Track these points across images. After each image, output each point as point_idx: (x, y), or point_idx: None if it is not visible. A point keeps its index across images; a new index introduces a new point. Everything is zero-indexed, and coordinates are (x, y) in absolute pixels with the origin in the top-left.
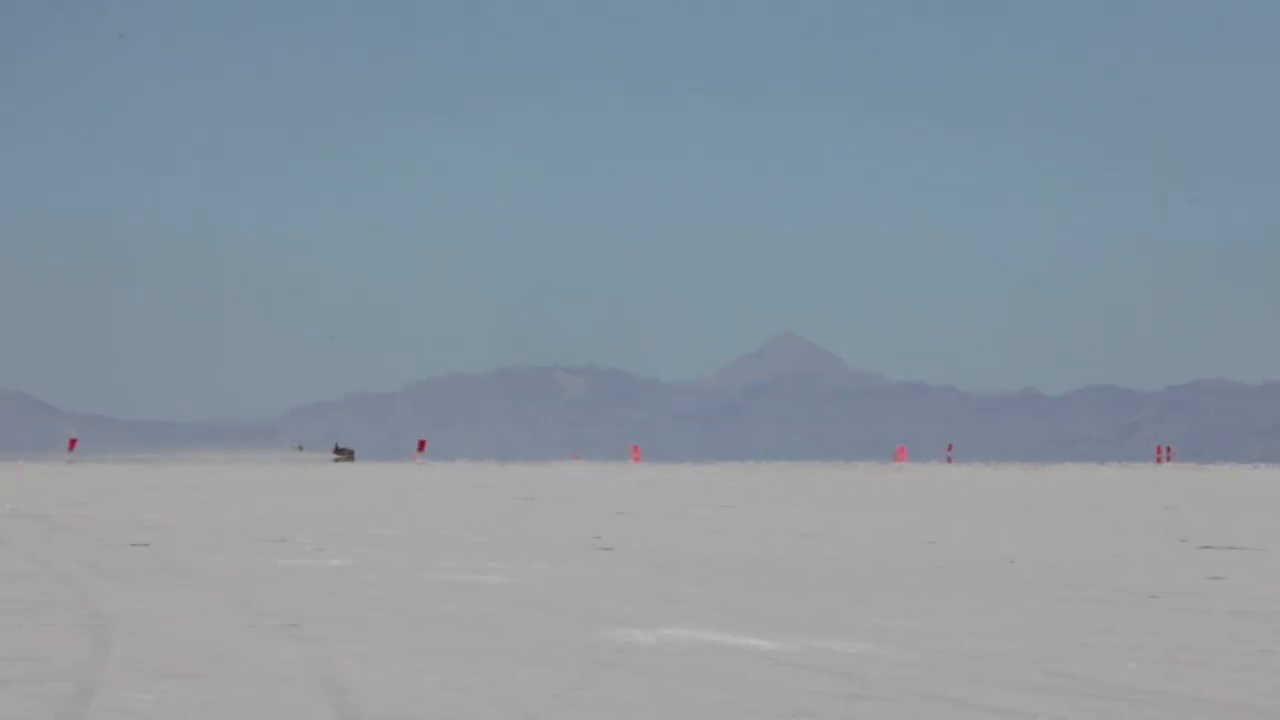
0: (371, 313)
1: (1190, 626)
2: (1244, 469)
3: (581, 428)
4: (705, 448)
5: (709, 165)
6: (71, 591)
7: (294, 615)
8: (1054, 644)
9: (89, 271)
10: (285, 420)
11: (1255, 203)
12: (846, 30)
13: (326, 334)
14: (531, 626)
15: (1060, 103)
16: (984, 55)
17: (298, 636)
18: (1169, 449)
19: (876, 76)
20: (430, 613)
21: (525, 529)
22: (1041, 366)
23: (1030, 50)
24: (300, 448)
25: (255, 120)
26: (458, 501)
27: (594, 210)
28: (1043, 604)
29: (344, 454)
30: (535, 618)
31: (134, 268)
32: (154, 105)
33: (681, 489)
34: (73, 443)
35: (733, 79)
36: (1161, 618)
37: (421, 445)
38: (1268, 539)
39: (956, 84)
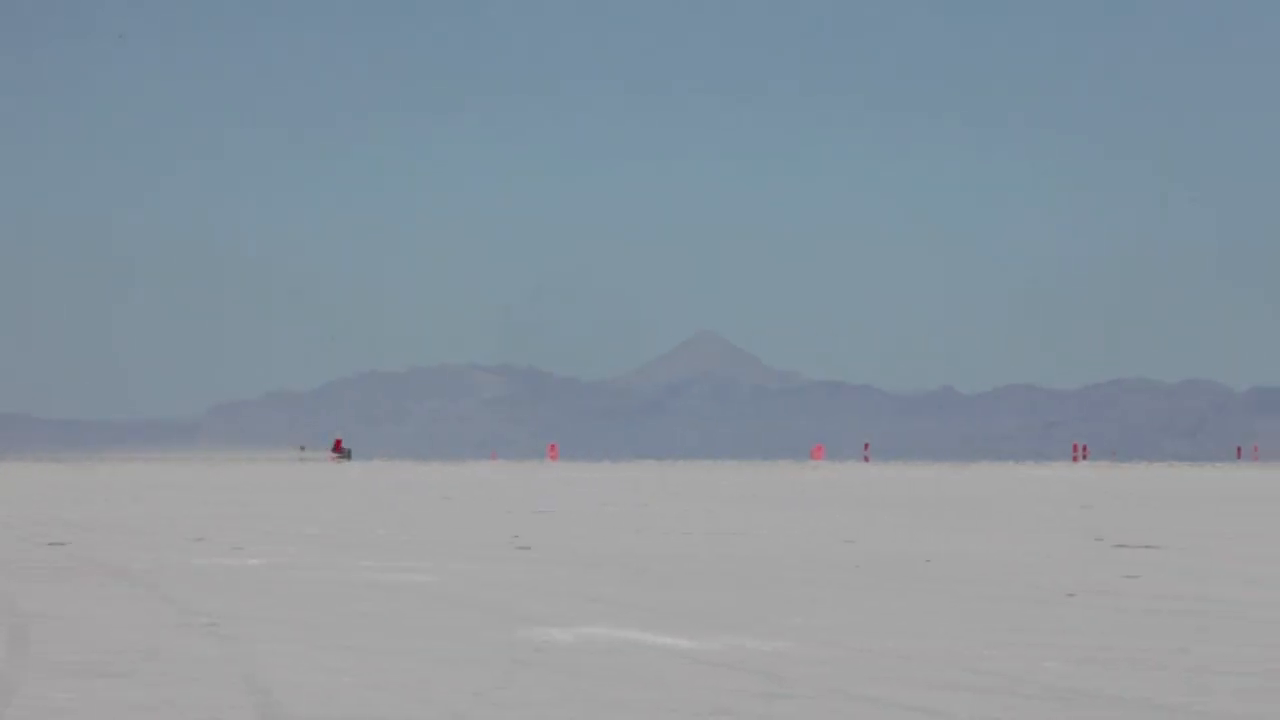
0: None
1: (1107, 625)
2: (1160, 467)
3: (500, 427)
4: (624, 447)
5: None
6: None
7: (214, 614)
8: (973, 642)
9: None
10: (205, 418)
11: (1162, 204)
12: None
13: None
14: (451, 626)
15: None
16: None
17: (218, 635)
18: (1085, 448)
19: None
20: (350, 612)
21: (444, 528)
22: (959, 366)
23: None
24: (302, 448)
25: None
26: (376, 501)
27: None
28: (961, 603)
29: (341, 453)
30: (455, 617)
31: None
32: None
33: (600, 488)
34: None
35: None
36: (1078, 616)
37: (338, 445)
38: (1183, 537)
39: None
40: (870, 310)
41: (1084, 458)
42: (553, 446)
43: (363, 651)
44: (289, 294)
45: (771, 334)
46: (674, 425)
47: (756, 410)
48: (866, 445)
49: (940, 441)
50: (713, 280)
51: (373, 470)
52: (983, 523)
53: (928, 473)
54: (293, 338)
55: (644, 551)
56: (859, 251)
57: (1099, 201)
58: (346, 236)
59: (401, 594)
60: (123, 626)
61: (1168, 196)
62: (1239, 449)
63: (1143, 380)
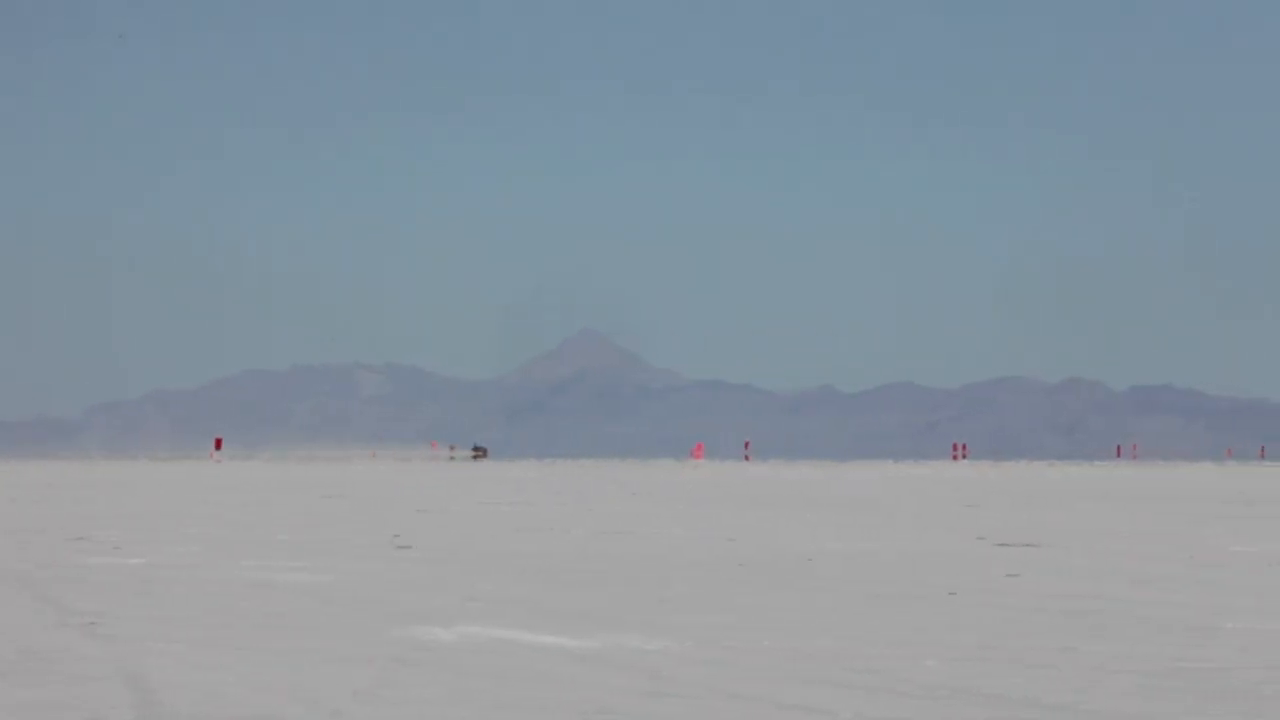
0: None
1: (989, 624)
2: (1041, 466)
3: (382, 425)
4: (506, 445)
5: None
6: None
7: (95, 614)
8: (855, 641)
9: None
10: (85, 418)
11: (1044, 209)
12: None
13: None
14: (332, 624)
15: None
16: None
17: (99, 635)
18: (965, 446)
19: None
20: (232, 611)
21: (326, 527)
22: (839, 365)
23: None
24: (452, 447)
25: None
26: (258, 500)
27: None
28: (843, 601)
29: (480, 452)
30: (336, 616)
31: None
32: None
33: (482, 486)
34: None
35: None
36: (961, 615)
37: (219, 443)
38: (1065, 536)
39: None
40: (751, 310)
41: (964, 456)
42: (435, 445)
43: (244, 650)
44: (169, 294)
45: (653, 333)
46: (556, 424)
47: (638, 409)
48: (747, 444)
49: (821, 440)
50: (595, 280)
51: (254, 469)
52: (864, 521)
53: (809, 471)
54: (173, 337)
55: (526, 550)
56: (739, 251)
57: (983, 205)
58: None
59: (282, 593)
60: (0, 626)
61: (1051, 201)
62: (1119, 447)
63: (1023, 379)
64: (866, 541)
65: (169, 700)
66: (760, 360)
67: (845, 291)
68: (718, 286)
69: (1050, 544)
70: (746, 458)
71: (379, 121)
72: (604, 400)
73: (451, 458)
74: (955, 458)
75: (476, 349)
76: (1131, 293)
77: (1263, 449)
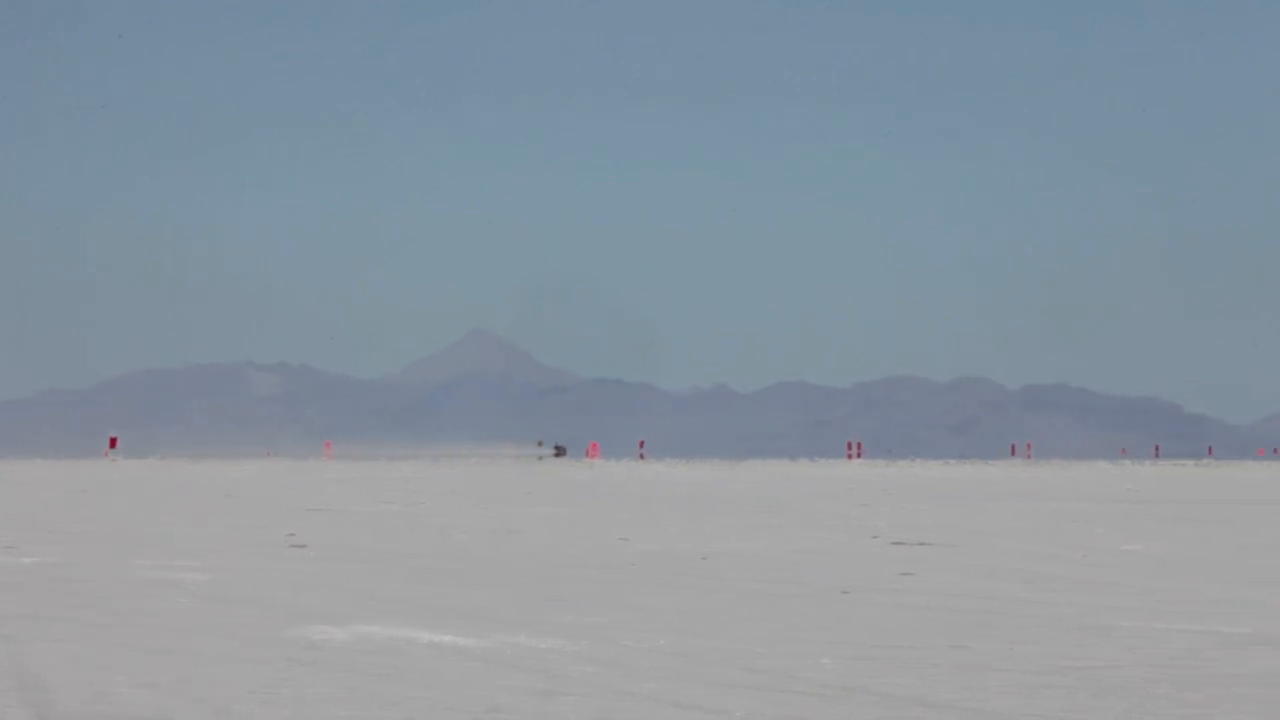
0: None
1: (883, 622)
2: (934, 465)
3: (275, 425)
4: (401, 445)
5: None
6: None
7: None
8: (749, 640)
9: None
10: None
11: (934, 208)
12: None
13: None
14: (226, 624)
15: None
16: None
17: None
18: (859, 445)
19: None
20: (124, 610)
21: (219, 526)
22: (733, 364)
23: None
24: (540, 443)
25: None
26: (152, 499)
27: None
28: (737, 600)
29: (560, 451)
30: (230, 615)
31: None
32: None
33: (375, 486)
34: None
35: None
36: (855, 614)
37: (113, 442)
38: (958, 535)
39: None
40: (644, 309)
41: (858, 455)
42: (328, 444)
43: (136, 650)
44: (57, 292)
45: (544, 332)
46: (447, 423)
47: (530, 408)
48: (641, 443)
49: (715, 439)
50: (485, 277)
51: (148, 469)
52: (758, 520)
53: (703, 470)
54: (63, 336)
55: (420, 550)
56: (630, 248)
57: (873, 201)
58: (132, 226)
59: (176, 592)
60: None
61: (947, 202)
62: (1012, 446)
63: (915, 378)
64: (761, 541)
65: (62, 699)
66: (654, 359)
67: (738, 291)
68: (609, 285)
69: (943, 543)
70: (641, 457)
71: (283, 121)
72: (495, 399)
73: (539, 458)
74: (850, 457)
75: (368, 347)
76: (1023, 292)
77: (1157, 448)
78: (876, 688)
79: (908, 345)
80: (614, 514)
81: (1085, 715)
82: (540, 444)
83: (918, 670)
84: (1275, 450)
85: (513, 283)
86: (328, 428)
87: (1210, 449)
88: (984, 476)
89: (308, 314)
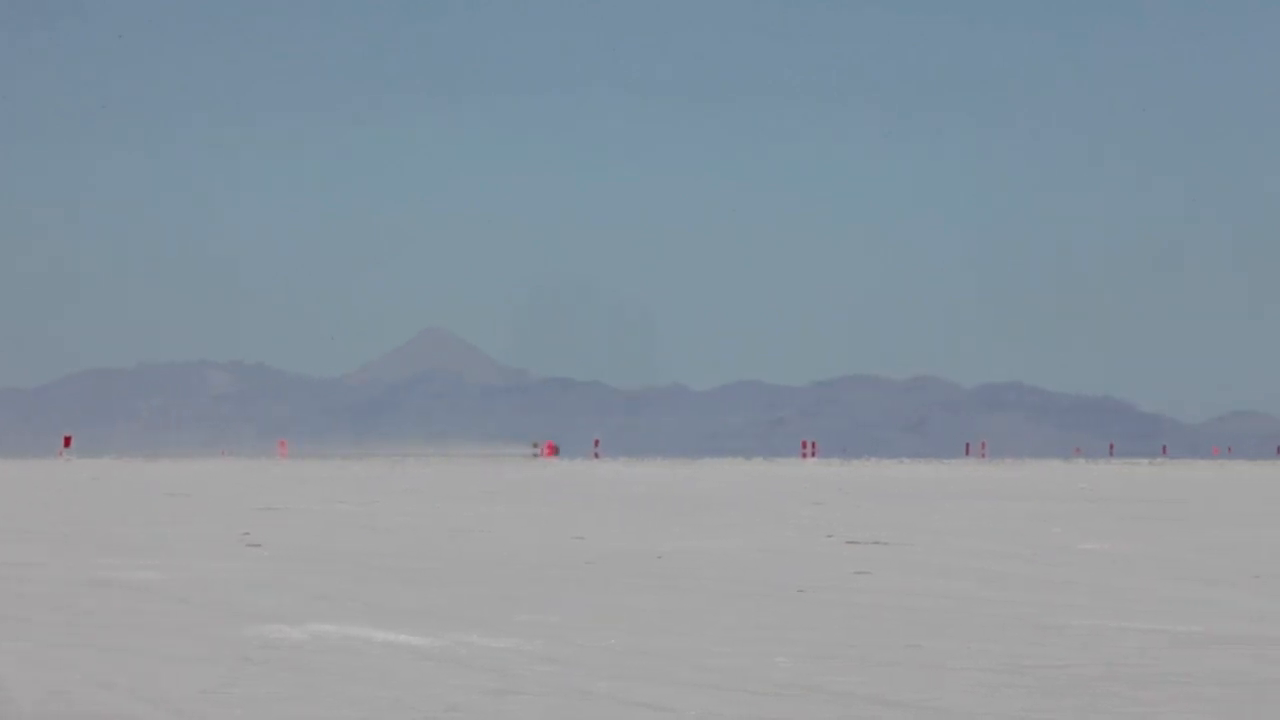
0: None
1: (838, 622)
2: (889, 464)
3: (229, 424)
4: (355, 444)
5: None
6: None
7: None
8: (703, 639)
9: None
10: None
11: (892, 205)
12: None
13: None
14: (180, 623)
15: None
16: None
17: None
18: (813, 444)
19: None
20: (80, 610)
21: (173, 526)
22: (688, 362)
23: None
24: (535, 444)
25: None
26: (106, 498)
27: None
28: (692, 599)
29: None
30: (184, 614)
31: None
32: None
33: (330, 485)
34: None
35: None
36: (809, 613)
37: (67, 441)
38: (913, 534)
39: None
40: (599, 307)
41: (813, 454)
42: (282, 443)
43: (91, 649)
44: (9, 291)
45: (500, 330)
46: (403, 422)
47: (485, 407)
48: (597, 441)
49: (670, 438)
50: (440, 276)
51: (102, 467)
52: (713, 519)
53: (658, 469)
54: (16, 334)
55: (374, 549)
56: (585, 247)
57: (829, 200)
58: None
59: (130, 592)
60: None
61: (902, 199)
62: (967, 445)
63: (870, 377)
64: (715, 540)
65: (15, 698)
66: (609, 358)
67: (692, 289)
68: (564, 283)
69: (898, 542)
70: (596, 455)
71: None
72: (449, 398)
73: (533, 455)
74: (804, 456)
75: (323, 346)
76: (978, 291)
77: (1111, 446)
78: (833, 687)
79: (863, 344)
80: (569, 513)
81: (1041, 714)
82: (535, 445)
83: (874, 669)
84: (1229, 449)
85: (466, 281)
86: (283, 426)
87: (1164, 448)
88: (938, 475)
89: (262, 312)
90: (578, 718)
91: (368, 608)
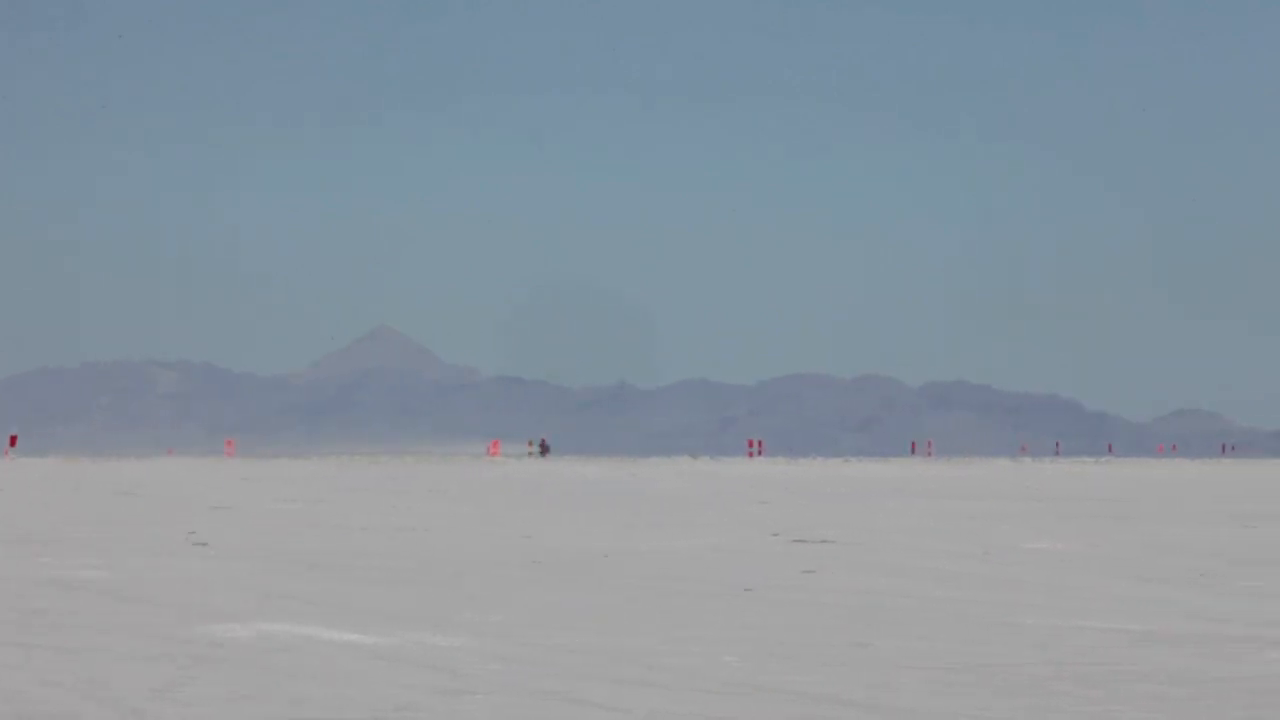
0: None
1: (785, 620)
2: (836, 463)
3: (177, 422)
4: (303, 442)
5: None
6: None
7: None
8: (651, 638)
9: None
10: None
11: (836, 211)
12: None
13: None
14: (129, 622)
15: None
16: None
17: None
18: (760, 443)
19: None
20: (27, 609)
21: (121, 525)
22: (634, 362)
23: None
24: (530, 443)
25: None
26: (53, 498)
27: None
28: (639, 598)
29: (545, 449)
30: (133, 613)
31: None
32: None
33: (278, 484)
34: None
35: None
36: (757, 611)
37: (13, 441)
38: (860, 532)
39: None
40: (546, 307)
41: (759, 453)
42: (229, 442)
43: (40, 648)
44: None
45: (449, 329)
46: (351, 421)
47: (434, 406)
48: (544, 440)
49: (617, 437)
50: (389, 274)
51: (49, 467)
52: (660, 518)
53: (605, 468)
54: None
55: (323, 548)
56: (531, 247)
57: (779, 199)
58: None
59: (78, 591)
60: None
61: (846, 201)
62: (913, 444)
63: (818, 375)
64: (663, 538)
65: None
66: (556, 357)
67: (639, 288)
68: (511, 282)
69: (845, 540)
70: (544, 454)
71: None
72: (398, 397)
73: (529, 454)
74: (750, 454)
75: (271, 345)
76: (924, 290)
77: (1058, 444)
78: (783, 685)
79: (810, 343)
80: (517, 512)
81: (990, 712)
82: (530, 444)
83: (824, 668)
84: (1174, 447)
85: (416, 279)
86: (230, 425)
87: (1110, 446)
88: (885, 474)
89: (209, 310)
90: (527, 716)
91: (316, 606)
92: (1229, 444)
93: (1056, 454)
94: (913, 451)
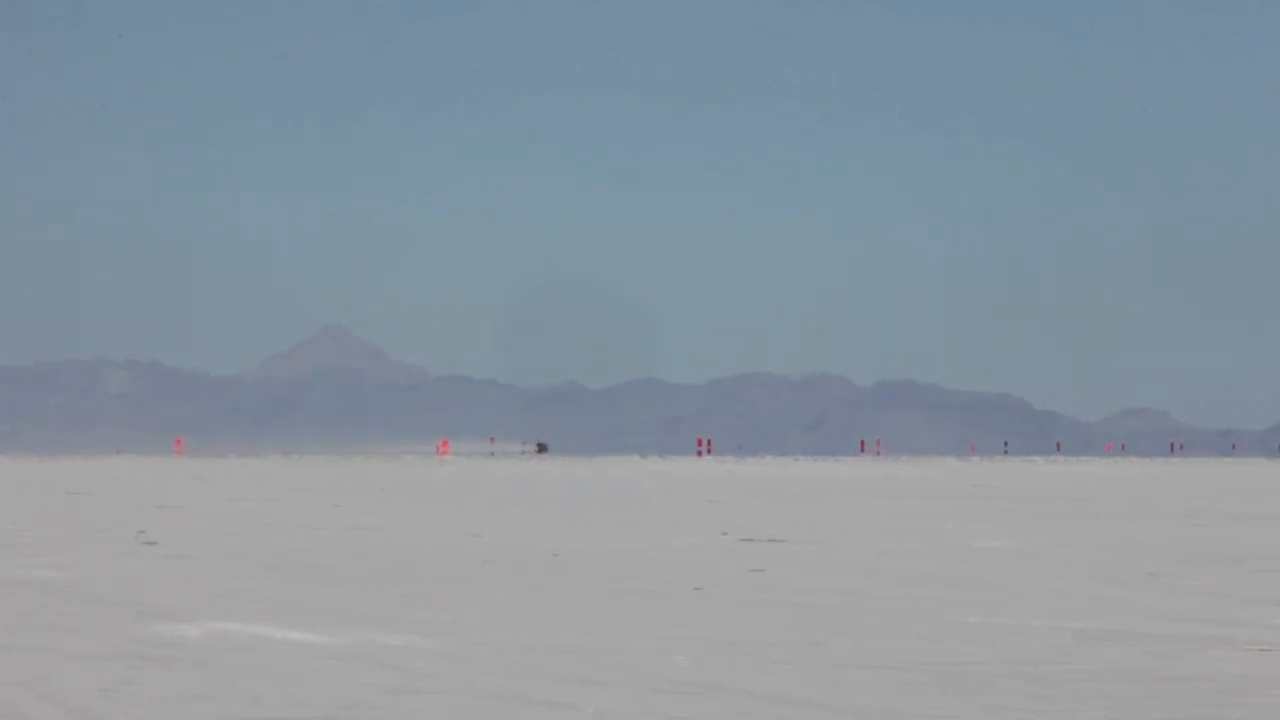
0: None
1: (736, 619)
2: (785, 462)
3: (125, 422)
4: (253, 442)
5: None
6: None
7: None
8: (602, 637)
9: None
10: None
11: (785, 210)
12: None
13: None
14: (77, 621)
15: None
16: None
17: None
18: (709, 442)
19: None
20: None
21: (70, 524)
22: (584, 361)
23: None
24: (524, 444)
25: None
26: (2, 497)
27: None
28: (589, 597)
29: (542, 448)
30: (81, 613)
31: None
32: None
33: (229, 483)
34: None
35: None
36: (707, 611)
37: (541, 445)
38: (809, 531)
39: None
40: (495, 306)
41: (708, 452)
42: (179, 441)
43: None
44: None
45: (398, 328)
46: (301, 420)
47: (383, 405)
48: (493, 440)
49: (566, 436)
50: (340, 274)
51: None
52: (609, 517)
53: (554, 467)
54: None
55: (274, 547)
56: (479, 246)
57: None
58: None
59: (25, 590)
60: None
61: (799, 201)
62: (862, 443)
63: (767, 374)
64: (612, 537)
65: None
66: (505, 356)
67: (588, 288)
68: (460, 281)
69: (795, 539)
70: (492, 454)
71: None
72: (347, 396)
73: (523, 452)
74: (699, 454)
75: (220, 343)
76: (874, 289)
77: (1006, 444)
78: (733, 685)
79: (759, 342)
80: (466, 511)
81: (940, 711)
82: (525, 444)
83: (775, 667)
84: (1123, 446)
85: (366, 278)
86: (180, 424)
87: (1059, 445)
88: (834, 473)
89: (157, 309)
90: (477, 716)
91: (267, 606)
92: (1178, 443)
93: (1005, 453)
94: (861, 450)
